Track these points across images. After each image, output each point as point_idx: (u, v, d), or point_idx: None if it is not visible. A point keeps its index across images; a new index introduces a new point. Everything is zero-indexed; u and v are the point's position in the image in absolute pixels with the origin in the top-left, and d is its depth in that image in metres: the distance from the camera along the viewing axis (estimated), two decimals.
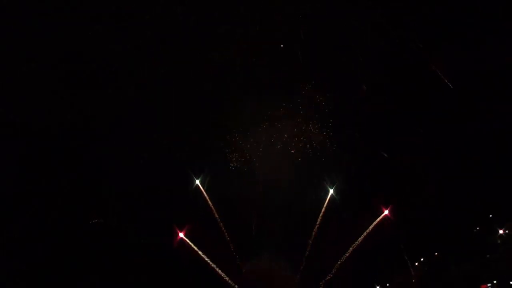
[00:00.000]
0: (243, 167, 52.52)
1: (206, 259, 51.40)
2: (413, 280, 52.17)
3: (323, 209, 52.37)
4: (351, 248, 51.47)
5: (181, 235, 51.42)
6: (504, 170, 49.09)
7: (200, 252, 51.31)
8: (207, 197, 52.25)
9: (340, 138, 51.68)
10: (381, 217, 51.52)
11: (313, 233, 52.18)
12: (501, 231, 49.88)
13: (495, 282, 48.26)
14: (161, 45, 49.35)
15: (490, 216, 50.90)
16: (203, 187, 52.42)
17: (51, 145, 49.25)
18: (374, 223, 51.39)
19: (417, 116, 50.92)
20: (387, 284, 53.19)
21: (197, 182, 52.49)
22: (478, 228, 51.40)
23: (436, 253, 52.19)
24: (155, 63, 49.58)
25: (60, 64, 48.25)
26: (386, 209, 51.35)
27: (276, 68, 50.61)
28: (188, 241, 51.50)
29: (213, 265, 51.39)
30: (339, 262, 51.72)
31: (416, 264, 52.51)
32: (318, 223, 52.23)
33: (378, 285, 53.33)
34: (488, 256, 49.64)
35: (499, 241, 49.83)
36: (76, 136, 49.29)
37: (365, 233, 51.47)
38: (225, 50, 49.71)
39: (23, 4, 45.71)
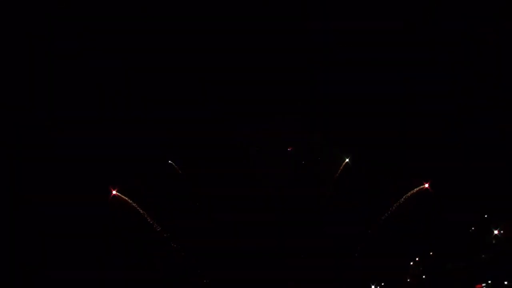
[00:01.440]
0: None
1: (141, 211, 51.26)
2: (408, 280, 52.42)
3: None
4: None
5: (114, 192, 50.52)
6: (500, 171, 49.18)
7: (135, 205, 50.96)
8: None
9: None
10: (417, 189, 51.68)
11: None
12: (496, 232, 49.90)
13: (490, 282, 48.28)
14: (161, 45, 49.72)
15: (486, 216, 50.93)
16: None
17: (50, 143, 49.68)
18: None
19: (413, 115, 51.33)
20: (382, 284, 53.43)
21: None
22: (473, 228, 51.44)
23: (431, 253, 52.30)
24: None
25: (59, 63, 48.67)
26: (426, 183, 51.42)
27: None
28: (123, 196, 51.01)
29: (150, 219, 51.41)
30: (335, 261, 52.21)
31: (411, 263, 52.72)
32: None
33: (373, 284, 53.58)
34: (483, 256, 49.68)
35: (494, 242, 49.87)
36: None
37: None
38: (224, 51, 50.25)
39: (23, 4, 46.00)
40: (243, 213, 52.12)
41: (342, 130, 51.73)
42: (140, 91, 51.26)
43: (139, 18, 48.13)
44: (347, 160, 52.75)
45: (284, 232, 53.16)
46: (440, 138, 50.60)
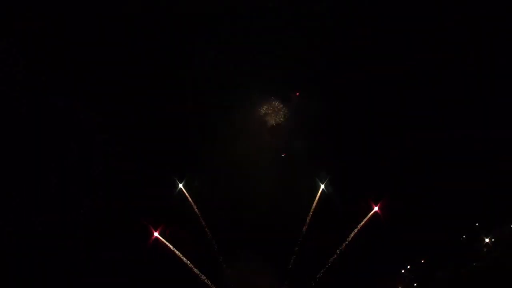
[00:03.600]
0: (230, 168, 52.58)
1: (184, 259, 50.66)
2: (399, 287, 52.21)
3: (312, 208, 52.48)
4: (338, 251, 51.54)
5: (156, 234, 50.47)
6: (491, 179, 49.61)
7: (176, 252, 50.49)
8: (191, 201, 51.76)
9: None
10: (369, 215, 51.67)
11: (301, 234, 52.16)
12: (487, 240, 50.15)
13: None
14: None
15: (477, 224, 51.19)
16: (187, 190, 52.06)
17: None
18: (362, 223, 51.62)
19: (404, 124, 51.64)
20: None
21: (181, 186, 52.14)
22: (464, 236, 51.62)
23: (422, 261, 52.23)
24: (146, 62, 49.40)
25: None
26: (376, 206, 51.46)
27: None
28: (164, 240, 50.65)
29: (190, 265, 50.69)
30: (325, 267, 51.68)
31: (403, 271, 52.54)
32: (306, 223, 52.20)
33: None
34: (474, 264, 49.79)
35: (485, 250, 50.09)
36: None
37: (352, 234, 51.56)
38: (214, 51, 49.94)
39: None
40: (240, 214, 51.76)
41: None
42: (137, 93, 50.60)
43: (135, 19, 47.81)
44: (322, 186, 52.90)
45: (274, 237, 52.54)
46: (433, 144, 51.07)
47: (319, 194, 52.59)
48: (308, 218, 52.44)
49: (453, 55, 47.30)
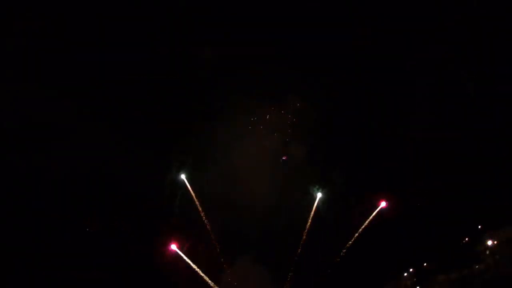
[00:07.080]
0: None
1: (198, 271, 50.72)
2: None
3: (312, 211, 52.28)
4: (339, 255, 51.27)
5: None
6: (492, 180, 49.28)
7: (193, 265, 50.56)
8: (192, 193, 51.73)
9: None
10: (376, 211, 51.47)
11: (302, 238, 51.95)
12: (489, 242, 49.71)
13: None
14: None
15: (479, 226, 50.79)
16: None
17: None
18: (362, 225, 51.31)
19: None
20: None
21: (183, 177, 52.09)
22: (466, 239, 51.24)
23: (424, 264, 51.88)
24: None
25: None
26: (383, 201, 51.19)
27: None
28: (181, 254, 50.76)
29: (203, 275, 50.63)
30: (327, 270, 51.44)
31: (405, 274, 52.24)
32: (307, 226, 51.99)
33: None
34: (476, 266, 49.38)
35: (487, 252, 49.64)
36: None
37: (356, 235, 51.29)
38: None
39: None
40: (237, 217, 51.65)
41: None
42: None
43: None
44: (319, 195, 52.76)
45: (268, 241, 52.47)
46: (432, 145, 50.85)
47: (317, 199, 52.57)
48: (309, 221, 52.36)
49: (453, 55, 47.25)
